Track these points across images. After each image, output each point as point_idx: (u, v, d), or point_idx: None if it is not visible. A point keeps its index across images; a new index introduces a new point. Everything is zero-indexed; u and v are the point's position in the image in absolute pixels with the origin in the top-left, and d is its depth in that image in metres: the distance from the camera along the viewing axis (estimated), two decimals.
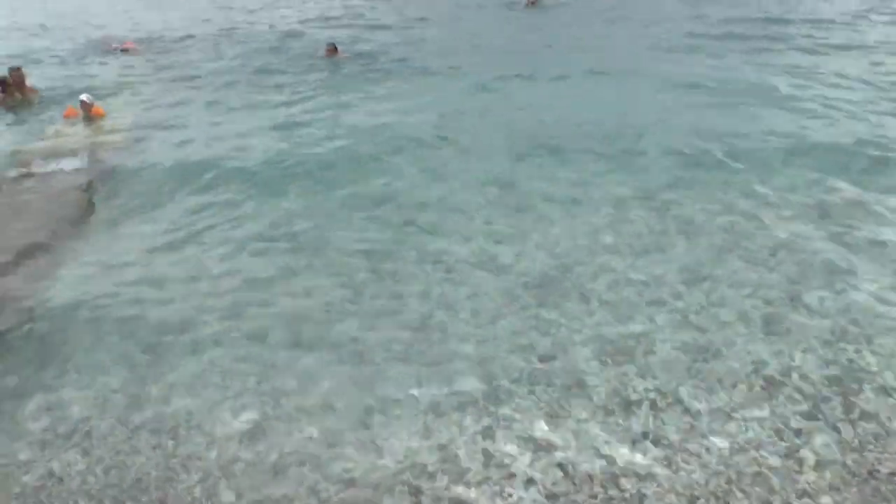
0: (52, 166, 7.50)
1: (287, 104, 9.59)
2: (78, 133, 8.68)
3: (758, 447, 3.25)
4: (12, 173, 7.38)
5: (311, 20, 18.66)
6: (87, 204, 6.53)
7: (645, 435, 3.36)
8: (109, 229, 6.02)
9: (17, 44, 16.33)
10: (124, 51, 14.77)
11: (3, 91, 10.33)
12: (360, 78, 11.09)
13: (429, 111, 8.80)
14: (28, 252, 5.46)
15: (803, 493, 3.00)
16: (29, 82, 10.75)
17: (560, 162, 6.84)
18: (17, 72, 10.62)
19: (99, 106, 9.36)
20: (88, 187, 6.86)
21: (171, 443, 3.48)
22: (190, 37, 16.61)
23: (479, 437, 3.40)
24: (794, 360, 3.81)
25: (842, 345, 3.92)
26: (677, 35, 13.38)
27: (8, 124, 9.55)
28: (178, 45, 15.65)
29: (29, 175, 7.31)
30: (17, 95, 10.41)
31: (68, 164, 7.58)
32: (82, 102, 9.14)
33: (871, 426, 3.34)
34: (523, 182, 6.39)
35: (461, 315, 4.38)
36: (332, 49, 12.73)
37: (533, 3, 19.00)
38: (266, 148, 7.68)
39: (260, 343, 4.20)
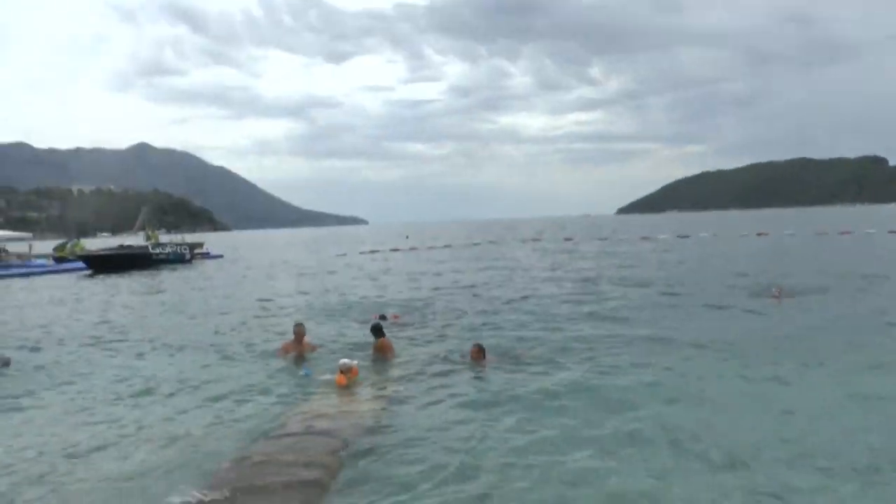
0: (310, 428, 7.39)
1: None
2: (337, 397, 8.69)
3: None
4: (274, 431, 7.39)
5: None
6: (337, 468, 6.13)
7: None
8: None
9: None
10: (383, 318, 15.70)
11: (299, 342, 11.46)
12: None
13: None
14: None
15: None
16: (307, 339, 11.86)
17: None
18: (299, 327, 11.81)
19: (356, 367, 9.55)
20: (339, 452, 6.57)
21: None
22: (431, 308, 17.93)
23: None
24: None
25: None
26: None
27: (286, 377, 10.22)
28: (426, 317, 16.55)
29: (286, 435, 7.21)
30: (301, 349, 11.51)
31: (324, 427, 7.42)
32: (348, 368, 9.28)
33: None
34: None
35: None
36: (478, 351, 10.76)
37: (777, 296, 17.40)
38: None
39: None
